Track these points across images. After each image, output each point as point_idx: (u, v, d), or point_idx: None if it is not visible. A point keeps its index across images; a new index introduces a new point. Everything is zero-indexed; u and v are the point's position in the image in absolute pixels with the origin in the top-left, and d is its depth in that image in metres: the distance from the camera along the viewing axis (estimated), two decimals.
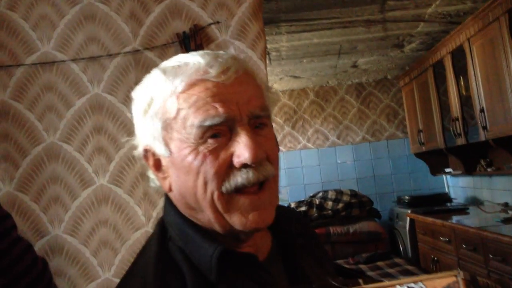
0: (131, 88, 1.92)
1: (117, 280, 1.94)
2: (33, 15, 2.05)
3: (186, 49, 2.00)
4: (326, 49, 4.13)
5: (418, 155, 5.02)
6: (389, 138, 5.55)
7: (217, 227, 0.74)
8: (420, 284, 0.61)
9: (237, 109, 0.72)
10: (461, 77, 3.68)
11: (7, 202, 1.97)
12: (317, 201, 4.78)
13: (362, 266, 4.11)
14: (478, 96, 3.35)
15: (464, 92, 3.68)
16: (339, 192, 4.86)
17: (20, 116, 2.02)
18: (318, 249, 0.94)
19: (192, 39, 2.00)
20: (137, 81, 0.82)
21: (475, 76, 3.37)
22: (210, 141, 0.71)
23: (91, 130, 2.03)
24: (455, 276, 0.60)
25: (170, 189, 0.78)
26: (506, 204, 3.57)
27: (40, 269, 1.03)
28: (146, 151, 0.78)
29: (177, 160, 0.74)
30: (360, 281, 0.66)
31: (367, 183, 5.46)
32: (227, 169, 0.71)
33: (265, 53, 2.06)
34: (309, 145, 5.57)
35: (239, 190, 0.72)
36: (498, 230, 2.87)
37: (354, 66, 4.84)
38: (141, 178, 2.02)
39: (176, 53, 2.04)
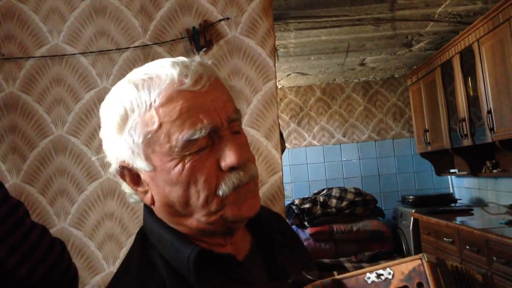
0: None
1: None
2: (43, 7, 2.06)
3: (196, 44, 2.00)
4: (334, 46, 4.12)
5: (424, 155, 5.01)
6: (395, 137, 5.54)
7: (207, 227, 0.76)
8: (388, 270, 0.63)
9: (217, 115, 0.73)
10: (469, 78, 3.67)
11: (15, 193, 1.97)
12: (321, 199, 4.77)
13: (365, 265, 4.12)
14: (486, 97, 3.34)
15: (471, 93, 3.67)
16: (344, 190, 4.86)
17: (29, 109, 2.03)
18: (298, 246, 0.96)
19: (201, 35, 2.00)
20: None
21: (483, 77, 3.36)
22: (195, 151, 0.72)
23: (99, 124, 2.03)
24: (420, 259, 0.62)
25: (153, 202, 0.78)
26: (511, 206, 3.56)
27: (59, 250, 1.05)
28: (122, 167, 0.77)
29: (161, 173, 0.74)
30: (335, 273, 0.67)
31: (372, 182, 5.46)
32: (216, 173, 0.73)
33: (274, 50, 2.06)
34: (315, 142, 5.57)
35: (235, 189, 0.74)
36: (502, 232, 2.87)
37: (362, 64, 4.83)
38: None
39: (185, 48, 2.06)
